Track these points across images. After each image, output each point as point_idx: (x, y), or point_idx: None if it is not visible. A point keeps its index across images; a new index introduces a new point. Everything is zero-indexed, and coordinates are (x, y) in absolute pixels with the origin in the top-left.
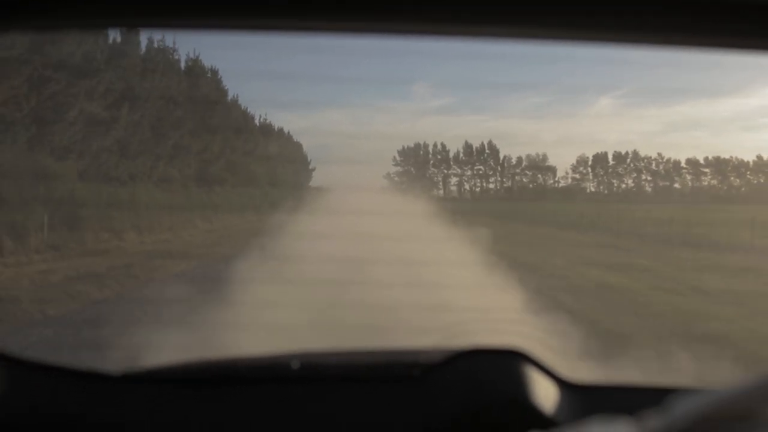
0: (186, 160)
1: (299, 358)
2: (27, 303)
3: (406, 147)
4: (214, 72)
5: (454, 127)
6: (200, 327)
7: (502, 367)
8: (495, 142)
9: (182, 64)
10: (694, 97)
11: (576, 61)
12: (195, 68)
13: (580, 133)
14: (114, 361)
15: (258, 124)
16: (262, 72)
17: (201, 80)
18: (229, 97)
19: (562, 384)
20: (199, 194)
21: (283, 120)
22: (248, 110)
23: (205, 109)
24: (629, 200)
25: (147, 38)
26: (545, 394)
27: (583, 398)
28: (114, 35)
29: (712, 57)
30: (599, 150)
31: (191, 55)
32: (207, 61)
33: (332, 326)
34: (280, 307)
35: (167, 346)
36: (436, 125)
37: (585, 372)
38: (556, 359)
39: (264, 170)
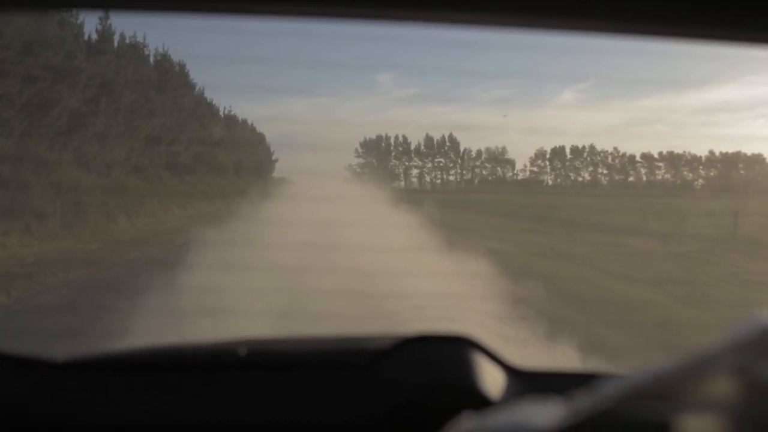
0: (156, 151)
1: (247, 345)
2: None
3: (368, 139)
4: (182, 66)
5: (418, 119)
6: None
7: (450, 353)
8: (460, 133)
9: (152, 58)
10: (659, 90)
11: (543, 51)
12: (164, 62)
13: (544, 126)
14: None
15: (223, 115)
16: (224, 56)
17: (169, 74)
18: (195, 90)
19: (509, 370)
20: (172, 183)
21: (246, 109)
22: (214, 102)
23: (174, 101)
24: (585, 193)
25: (119, 34)
26: (491, 380)
27: (528, 384)
28: (90, 32)
29: (677, 48)
30: (563, 142)
31: (160, 50)
32: (171, 45)
33: (289, 313)
34: (242, 292)
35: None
36: (400, 116)
37: (530, 358)
38: (502, 344)
39: (230, 160)
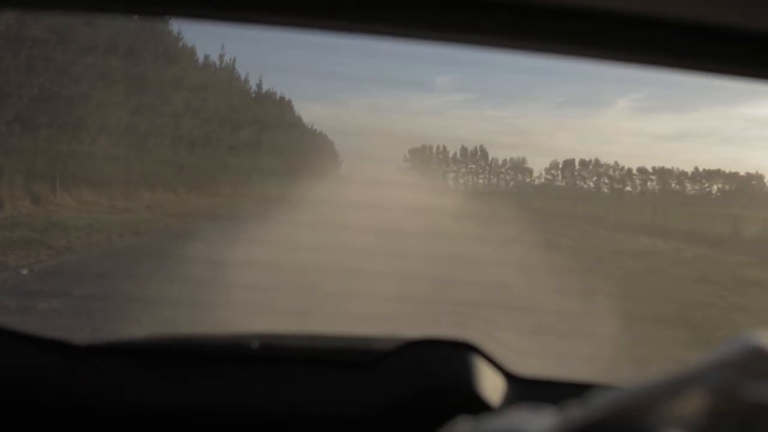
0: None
1: (260, 339)
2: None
3: (414, 147)
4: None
5: (473, 122)
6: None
7: (451, 357)
8: (513, 137)
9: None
10: (711, 102)
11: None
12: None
13: (597, 133)
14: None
15: (309, 128)
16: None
17: (268, 103)
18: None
19: (509, 376)
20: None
21: (314, 111)
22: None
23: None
24: (589, 199)
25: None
26: (491, 385)
27: (527, 391)
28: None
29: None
30: (614, 150)
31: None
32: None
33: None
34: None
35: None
36: (457, 118)
37: (532, 366)
38: (505, 353)
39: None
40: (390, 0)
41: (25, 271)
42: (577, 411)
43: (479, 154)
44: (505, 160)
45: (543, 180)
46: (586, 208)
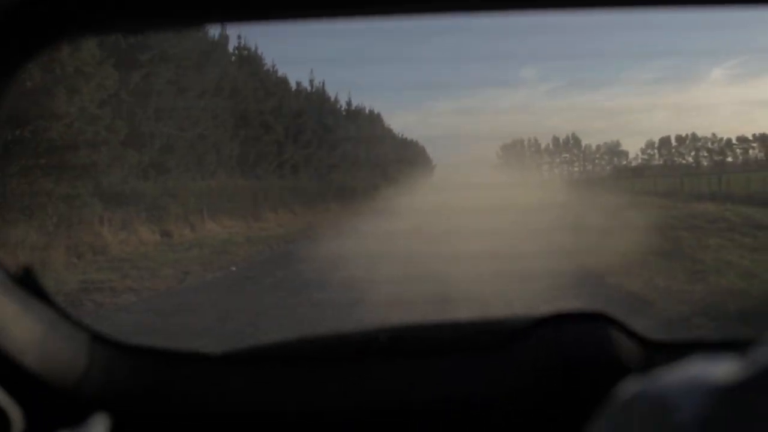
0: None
1: (389, 333)
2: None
3: (505, 144)
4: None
5: (565, 109)
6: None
7: (586, 330)
8: (606, 122)
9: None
10: None
11: (689, 29)
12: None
13: (695, 105)
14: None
15: (400, 137)
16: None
17: (359, 119)
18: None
19: (646, 343)
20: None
21: (403, 121)
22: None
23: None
24: (689, 173)
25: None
26: (629, 354)
27: (667, 357)
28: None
29: None
30: (715, 119)
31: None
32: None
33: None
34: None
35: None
36: (547, 108)
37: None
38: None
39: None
40: None
41: (234, 268)
42: (759, 353)
43: (572, 142)
44: (598, 146)
45: (639, 161)
46: (665, 184)
